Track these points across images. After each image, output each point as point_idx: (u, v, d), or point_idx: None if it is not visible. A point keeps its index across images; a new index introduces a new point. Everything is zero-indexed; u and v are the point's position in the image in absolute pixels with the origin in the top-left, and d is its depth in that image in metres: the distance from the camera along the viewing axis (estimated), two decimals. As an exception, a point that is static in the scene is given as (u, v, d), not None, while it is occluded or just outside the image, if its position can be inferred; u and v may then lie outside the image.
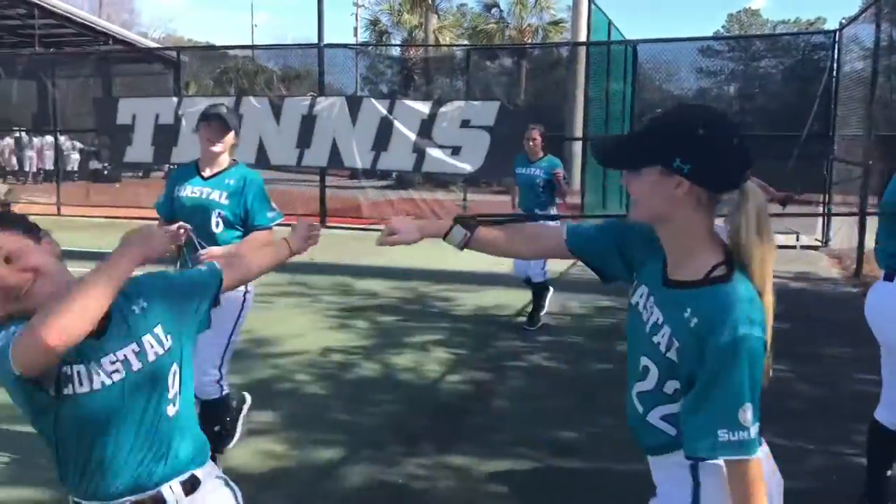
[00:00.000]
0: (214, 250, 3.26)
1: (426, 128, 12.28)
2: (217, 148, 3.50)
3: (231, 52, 21.69)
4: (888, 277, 3.09)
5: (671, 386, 1.60)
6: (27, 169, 19.00)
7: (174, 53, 16.22)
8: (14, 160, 18.87)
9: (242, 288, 3.38)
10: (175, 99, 13.66)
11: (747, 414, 1.48)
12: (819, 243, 10.84)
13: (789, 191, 6.43)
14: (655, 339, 1.61)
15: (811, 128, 10.92)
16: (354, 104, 12.80)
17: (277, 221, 3.60)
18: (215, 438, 3.57)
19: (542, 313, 6.59)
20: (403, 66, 24.78)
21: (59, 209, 15.18)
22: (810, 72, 13.89)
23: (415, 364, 5.52)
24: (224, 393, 3.51)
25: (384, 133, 12.50)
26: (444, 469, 3.78)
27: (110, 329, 1.70)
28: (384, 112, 12.53)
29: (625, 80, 14.78)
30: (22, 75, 17.28)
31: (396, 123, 12.43)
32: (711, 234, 1.58)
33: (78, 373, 1.64)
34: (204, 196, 3.49)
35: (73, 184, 17.18)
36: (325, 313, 7.00)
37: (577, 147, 15.04)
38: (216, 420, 3.54)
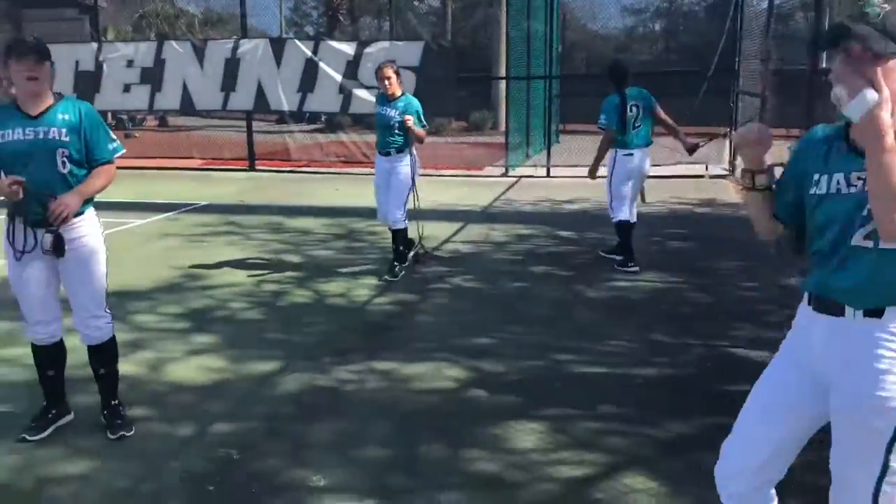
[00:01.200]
0: (68, 200, 3.17)
1: (352, 69, 12.43)
2: (40, 85, 3.21)
3: (149, -5, 21.05)
4: None
5: None
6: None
7: (90, -3, 15.75)
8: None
9: (98, 226, 3.41)
10: (95, 45, 13.40)
11: None
12: (727, 172, 11.55)
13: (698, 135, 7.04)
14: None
15: (719, 63, 11.53)
16: (279, 46, 12.81)
17: (119, 154, 3.42)
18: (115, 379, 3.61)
19: (411, 255, 6.47)
20: (328, 7, 24.48)
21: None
22: (728, 8, 14.42)
23: (345, 290, 5.89)
24: (113, 332, 3.56)
25: (310, 75, 12.59)
26: (372, 374, 4.20)
27: None
28: (309, 53, 12.60)
29: (547, 19, 15.07)
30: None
31: (322, 65, 12.53)
32: None
33: None
34: (41, 137, 3.19)
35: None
36: (258, 249, 7.28)
37: (503, 86, 15.33)
38: (115, 359, 3.60)
